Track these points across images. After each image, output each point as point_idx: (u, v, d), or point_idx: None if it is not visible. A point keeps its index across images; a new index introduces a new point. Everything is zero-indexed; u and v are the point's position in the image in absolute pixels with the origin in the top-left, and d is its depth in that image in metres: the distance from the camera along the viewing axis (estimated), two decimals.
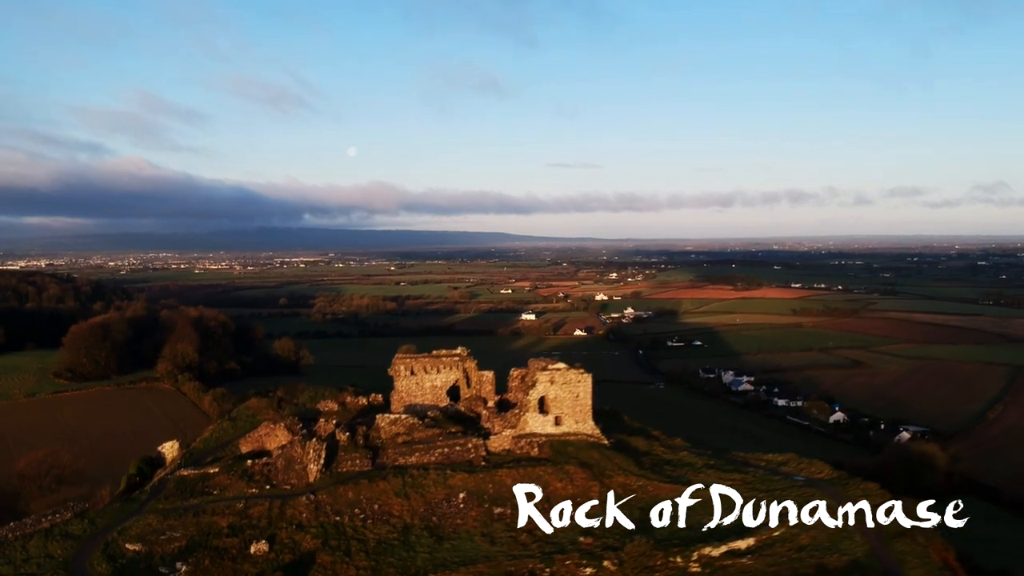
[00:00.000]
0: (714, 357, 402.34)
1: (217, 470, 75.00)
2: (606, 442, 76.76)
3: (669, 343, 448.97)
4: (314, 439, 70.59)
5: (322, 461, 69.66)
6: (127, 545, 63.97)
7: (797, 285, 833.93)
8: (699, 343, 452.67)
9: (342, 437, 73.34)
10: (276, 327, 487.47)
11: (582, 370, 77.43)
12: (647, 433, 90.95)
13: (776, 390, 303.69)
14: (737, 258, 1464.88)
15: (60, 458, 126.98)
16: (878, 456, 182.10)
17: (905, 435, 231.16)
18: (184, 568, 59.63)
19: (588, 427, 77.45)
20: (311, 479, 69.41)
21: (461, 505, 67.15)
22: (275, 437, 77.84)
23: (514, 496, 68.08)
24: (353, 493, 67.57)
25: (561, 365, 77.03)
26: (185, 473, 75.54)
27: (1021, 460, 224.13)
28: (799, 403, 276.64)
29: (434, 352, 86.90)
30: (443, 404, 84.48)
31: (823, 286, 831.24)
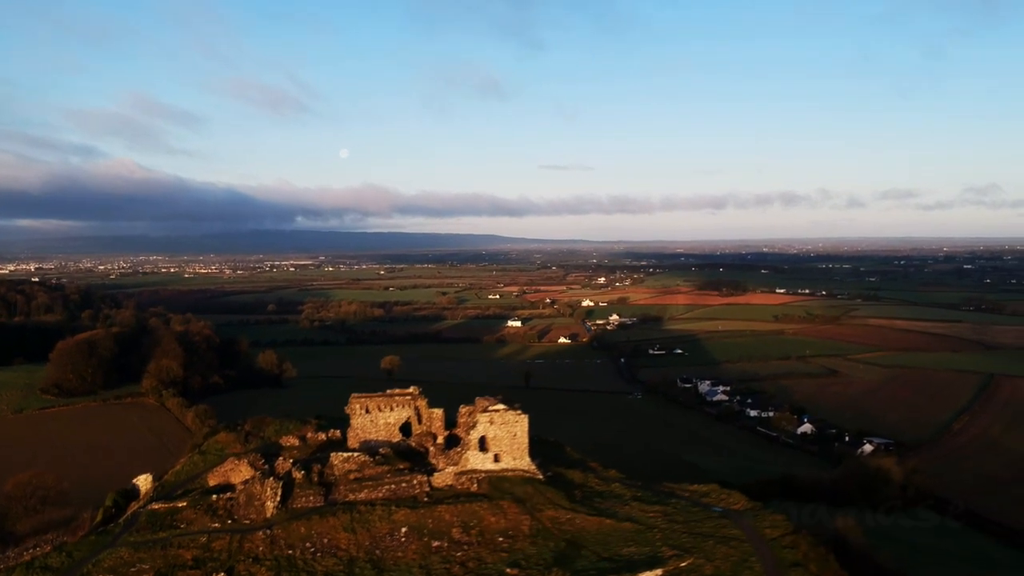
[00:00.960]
0: (694, 365, 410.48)
1: (185, 504, 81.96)
2: (541, 477, 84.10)
3: (651, 351, 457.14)
4: (271, 478, 77.70)
5: (278, 498, 76.75)
6: None
7: (781, 291, 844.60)
8: (680, 351, 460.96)
9: (298, 476, 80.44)
10: (264, 334, 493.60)
11: (519, 411, 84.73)
12: (584, 465, 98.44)
13: (750, 400, 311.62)
14: (726, 261, 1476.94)
15: (45, 480, 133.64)
16: (835, 470, 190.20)
17: (868, 447, 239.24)
18: None
19: (525, 463, 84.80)
20: (268, 515, 76.50)
21: (403, 539, 74.36)
22: (239, 472, 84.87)
23: (451, 529, 75.49)
24: (305, 528, 74.67)
25: (500, 407, 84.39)
26: (156, 507, 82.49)
27: (985, 470, 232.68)
28: (770, 414, 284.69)
29: (387, 392, 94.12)
30: (396, 440, 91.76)
31: (807, 291, 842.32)
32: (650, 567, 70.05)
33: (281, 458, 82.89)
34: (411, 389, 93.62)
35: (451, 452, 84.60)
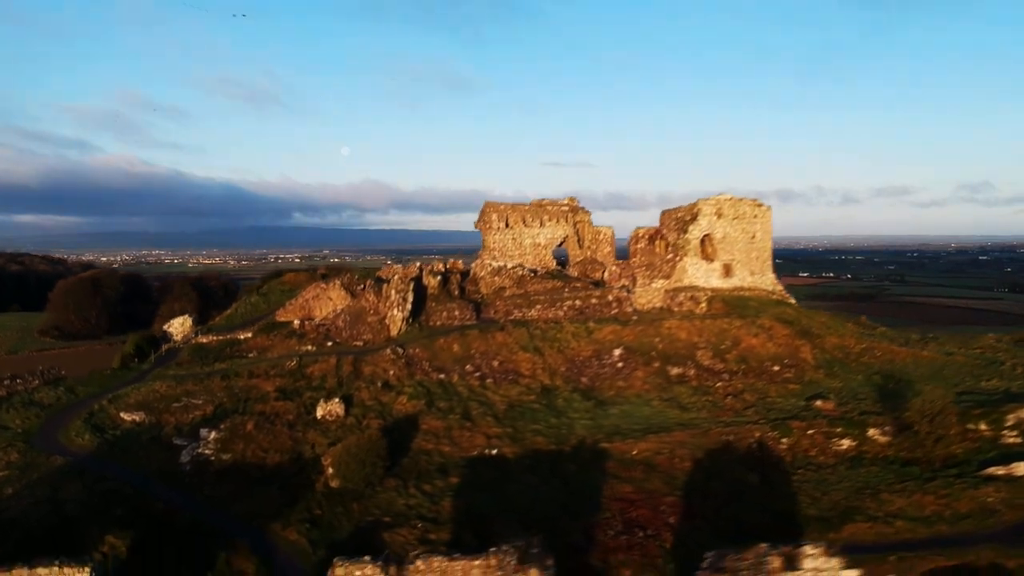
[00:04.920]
0: None
1: (250, 334, 52.99)
2: (792, 301, 55.07)
3: None
4: (396, 278, 48.59)
5: (409, 307, 47.71)
6: (123, 415, 42.02)
7: (805, 274, 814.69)
8: None
9: (432, 282, 51.49)
10: None
11: (758, 202, 55.79)
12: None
13: None
14: None
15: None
16: None
17: None
18: (214, 435, 37.68)
19: (768, 280, 55.87)
20: (393, 332, 47.53)
21: (619, 364, 45.38)
22: (327, 300, 55.91)
23: (694, 353, 46.40)
24: (460, 346, 45.69)
25: (730, 195, 55.32)
26: (205, 340, 53.56)
27: None
28: None
29: (535, 201, 65.01)
30: (547, 268, 62.59)
31: (831, 274, 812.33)
32: None
33: (399, 267, 53.48)
34: (567, 199, 64.35)
35: (657, 263, 55.49)
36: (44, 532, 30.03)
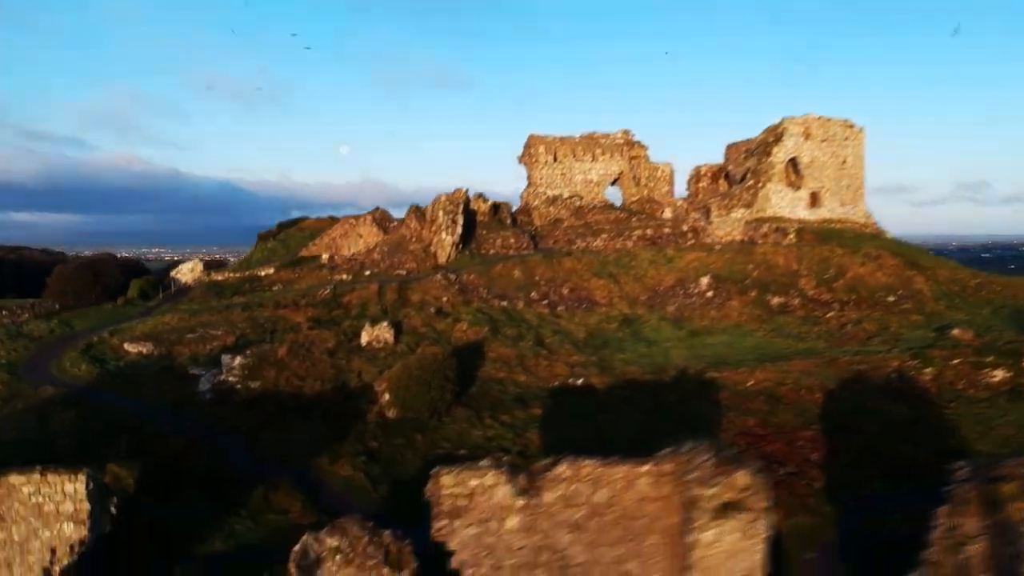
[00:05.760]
0: None
1: (271, 270, 46.32)
2: (890, 236, 48.36)
3: None
4: (442, 198, 41.82)
5: (459, 231, 41.00)
6: (127, 346, 35.33)
7: None
8: None
9: (482, 206, 44.77)
10: None
11: (850, 123, 48.98)
12: None
13: None
14: None
15: None
16: None
17: None
18: (240, 360, 30.97)
19: (860, 212, 49.11)
20: (441, 259, 40.82)
21: (709, 293, 38.68)
22: (357, 238, 49.30)
23: (795, 281, 39.69)
24: (522, 272, 39.00)
25: (818, 115, 48.51)
26: (220, 278, 46.90)
27: None
28: None
29: (585, 134, 58.21)
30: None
31: None
32: None
33: (443, 197, 46.63)
34: (620, 132, 57.53)
35: (734, 191, 48.79)
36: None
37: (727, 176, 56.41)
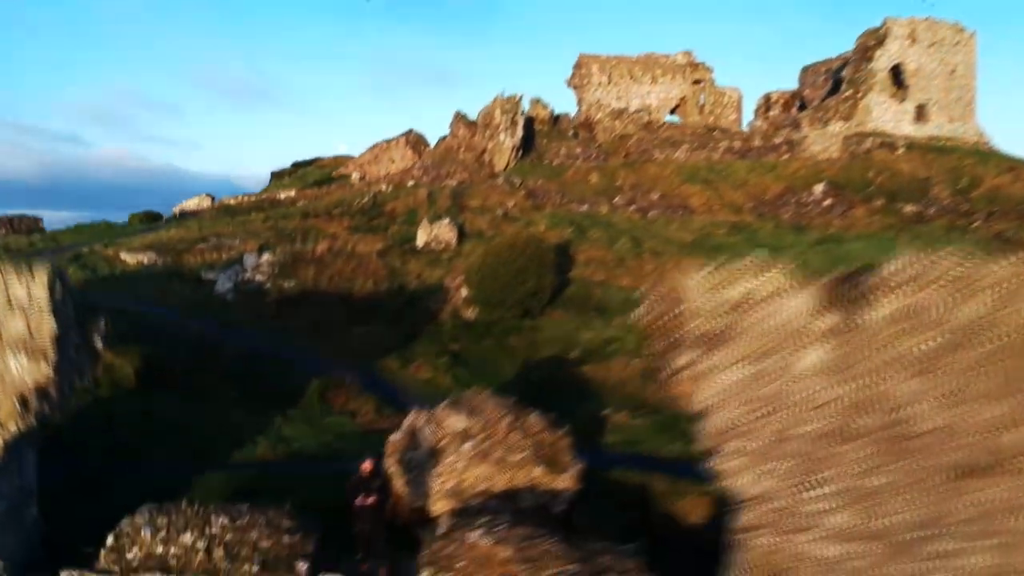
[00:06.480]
0: None
1: (292, 192, 39.78)
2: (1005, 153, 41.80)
3: None
4: (499, 97, 35.17)
5: (520, 133, 34.42)
6: (124, 255, 28.69)
7: None
8: None
9: (541, 113, 38.29)
10: None
11: (961, 26, 42.47)
12: None
13: None
14: None
15: None
16: None
17: None
18: (268, 257, 24.45)
19: (972, 129, 42.65)
20: (499, 166, 34.24)
21: (826, 202, 32.27)
22: (389, 163, 42.67)
23: (926, 190, 33.17)
24: (600, 178, 32.54)
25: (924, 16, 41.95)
26: (232, 201, 40.37)
27: None
28: None
29: (644, 54, 51.58)
30: None
31: None
32: None
33: (509, 98, 39.82)
34: (681, 53, 50.86)
35: (827, 102, 42.21)
36: None
37: (802, 103, 49.89)
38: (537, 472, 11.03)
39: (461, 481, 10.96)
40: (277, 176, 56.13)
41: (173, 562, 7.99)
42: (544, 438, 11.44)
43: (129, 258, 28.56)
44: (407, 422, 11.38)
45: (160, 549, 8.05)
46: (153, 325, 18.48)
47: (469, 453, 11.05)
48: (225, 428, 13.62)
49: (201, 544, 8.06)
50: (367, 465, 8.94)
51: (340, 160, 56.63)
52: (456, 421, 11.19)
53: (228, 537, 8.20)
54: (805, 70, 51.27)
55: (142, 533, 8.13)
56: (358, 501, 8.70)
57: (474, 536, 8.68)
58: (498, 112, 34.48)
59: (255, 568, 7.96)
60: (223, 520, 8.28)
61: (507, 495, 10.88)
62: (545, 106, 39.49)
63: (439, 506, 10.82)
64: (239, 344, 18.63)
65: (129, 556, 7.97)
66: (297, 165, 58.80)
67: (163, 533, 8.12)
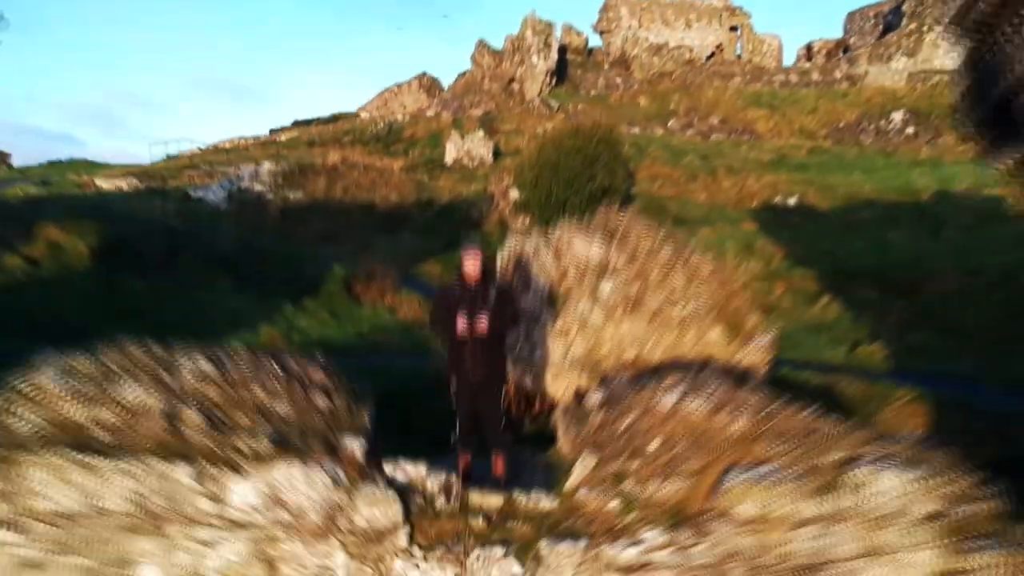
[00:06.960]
0: None
1: (295, 133, 35.58)
2: None
3: None
4: (529, 17, 30.98)
5: (554, 56, 30.25)
6: (99, 181, 24.48)
7: None
8: None
9: (575, 40, 34.22)
10: None
11: None
12: None
13: None
14: None
15: None
16: None
17: None
18: (269, 165, 20.22)
19: None
20: (532, 94, 30.02)
21: (908, 129, 28.12)
22: (401, 107, 38.37)
23: None
24: (650, 101, 28.38)
25: None
26: (227, 145, 36.08)
27: None
28: None
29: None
30: None
31: None
32: None
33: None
34: None
35: (886, 39, 38.17)
36: None
37: (847, 51, 45.78)
38: (713, 335, 6.84)
39: (596, 344, 6.76)
40: (274, 132, 51.77)
41: None
42: (719, 289, 7.27)
43: (105, 183, 24.36)
44: (507, 247, 7.31)
45: None
46: (121, 213, 14.29)
47: (608, 300, 6.86)
48: (216, 312, 9.46)
49: None
50: (472, 259, 4.69)
51: (343, 115, 52.39)
52: (586, 247, 6.98)
53: None
54: (851, 16, 47.10)
55: None
56: (461, 328, 4.53)
57: (669, 400, 4.58)
58: (530, 33, 30.29)
59: None
60: None
61: (665, 369, 6.67)
62: (579, 33, 35.35)
63: (559, 384, 6.64)
64: (233, 243, 14.42)
65: None
66: (297, 123, 54.55)
67: None
